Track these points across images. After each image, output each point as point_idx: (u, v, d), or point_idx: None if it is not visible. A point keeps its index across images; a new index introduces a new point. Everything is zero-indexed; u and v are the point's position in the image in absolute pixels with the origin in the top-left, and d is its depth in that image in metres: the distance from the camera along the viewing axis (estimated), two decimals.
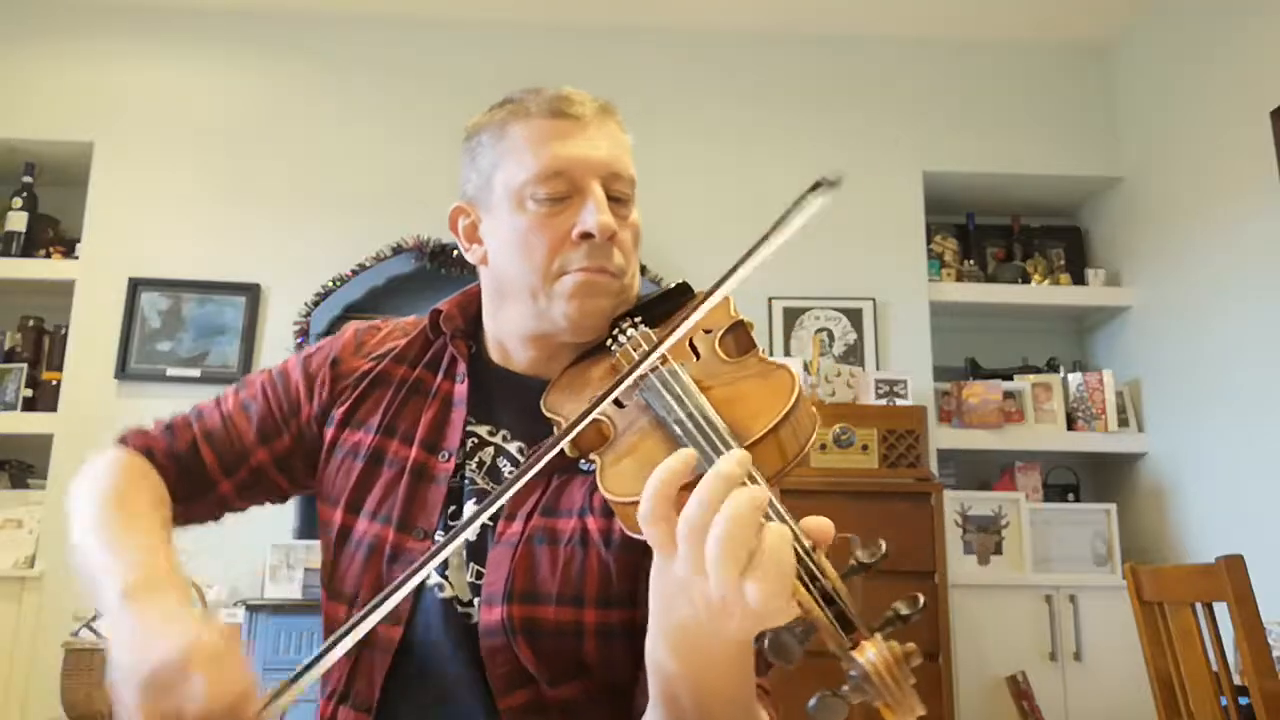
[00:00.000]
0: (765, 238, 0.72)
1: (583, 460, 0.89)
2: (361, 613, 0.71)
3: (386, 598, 0.71)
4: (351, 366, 1.05)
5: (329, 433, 1.03)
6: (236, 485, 1.04)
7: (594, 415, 0.76)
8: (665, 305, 0.95)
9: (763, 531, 0.57)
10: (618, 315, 0.95)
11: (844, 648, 0.56)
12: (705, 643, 0.65)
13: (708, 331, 0.84)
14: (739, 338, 0.84)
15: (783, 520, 0.60)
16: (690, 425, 0.69)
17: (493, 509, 0.74)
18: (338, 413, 1.03)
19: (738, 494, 0.58)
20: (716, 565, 0.57)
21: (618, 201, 0.96)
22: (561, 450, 0.76)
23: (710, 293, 0.75)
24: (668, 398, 0.73)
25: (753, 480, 0.60)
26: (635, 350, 0.88)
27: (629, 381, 0.76)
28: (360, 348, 1.07)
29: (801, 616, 0.57)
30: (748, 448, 0.64)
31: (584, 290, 0.92)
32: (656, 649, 0.70)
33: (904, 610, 0.56)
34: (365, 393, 1.03)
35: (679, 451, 0.62)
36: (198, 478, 1.03)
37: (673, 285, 0.97)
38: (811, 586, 0.57)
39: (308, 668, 0.71)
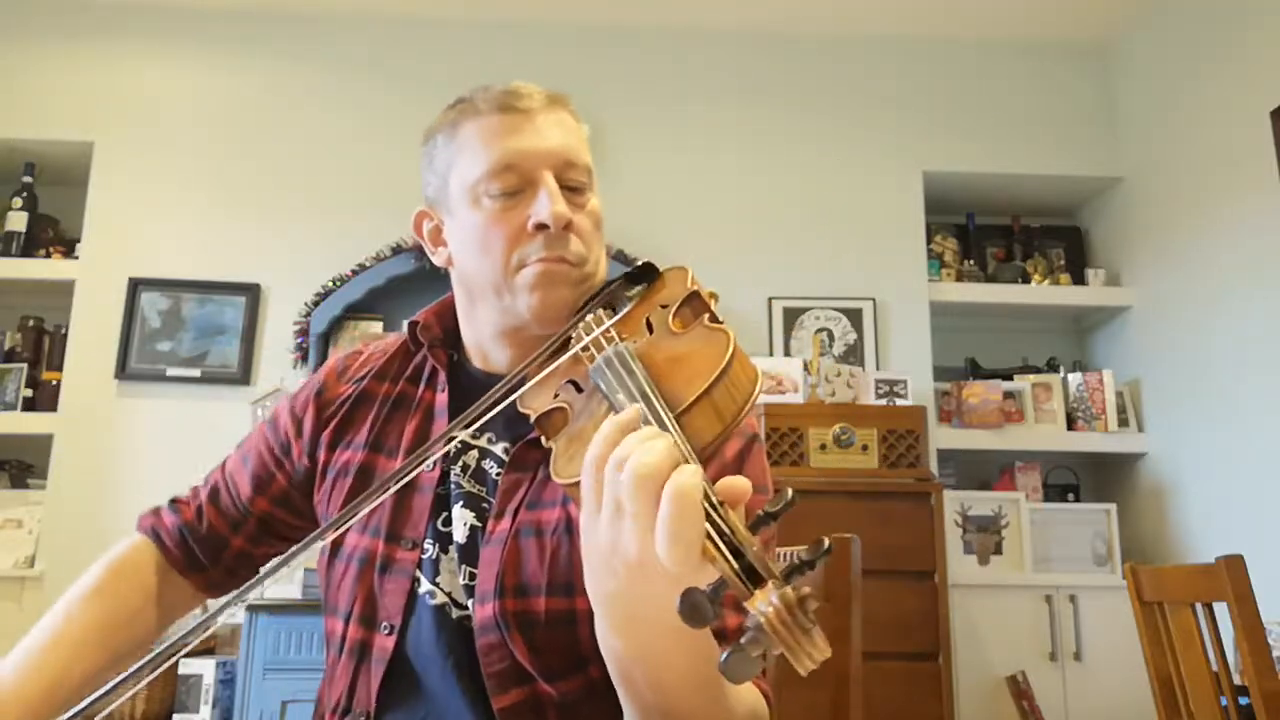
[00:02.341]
0: None
1: None
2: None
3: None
4: (336, 393, 1.07)
5: (321, 457, 1.05)
6: (247, 538, 1.08)
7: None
8: (630, 287, 0.93)
9: (673, 471, 0.57)
10: (583, 301, 0.94)
11: (744, 601, 0.54)
12: (639, 615, 0.66)
13: (664, 306, 0.83)
14: (695, 307, 0.83)
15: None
16: (628, 403, 0.69)
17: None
18: (325, 436, 1.05)
19: (649, 436, 0.61)
20: (631, 494, 0.58)
21: (573, 190, 0.95)
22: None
23: None
24: (610, 377, 0.74)
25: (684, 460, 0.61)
26: (587, 334, 0.87)
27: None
28: (343, 374, 1.09)
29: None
30: (682, 413, 0.65)
31: (544, 281, 0.92)
32: (601, 631, 0.70)
33: (806, 555, 0.55)
34: (350, 413, 1.05)
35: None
36: (209, 541, 1.08)
37: (636, 265, 0.94)
38: (720, 541, 0.56)
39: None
